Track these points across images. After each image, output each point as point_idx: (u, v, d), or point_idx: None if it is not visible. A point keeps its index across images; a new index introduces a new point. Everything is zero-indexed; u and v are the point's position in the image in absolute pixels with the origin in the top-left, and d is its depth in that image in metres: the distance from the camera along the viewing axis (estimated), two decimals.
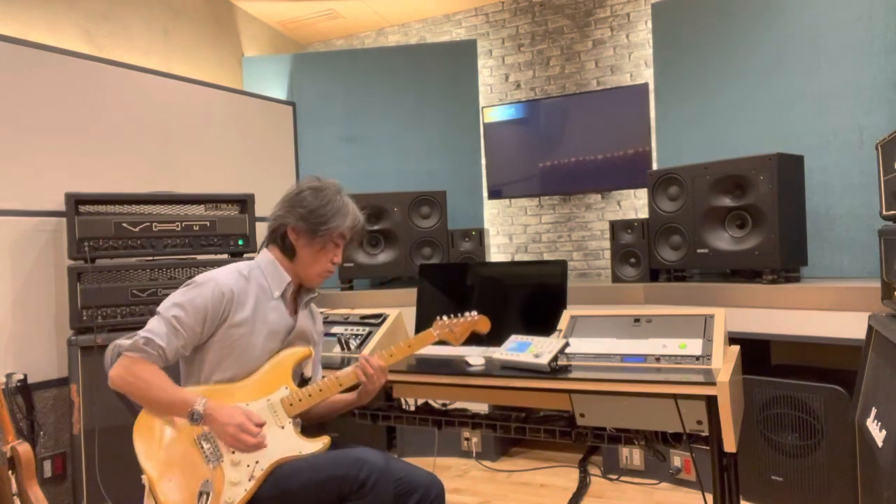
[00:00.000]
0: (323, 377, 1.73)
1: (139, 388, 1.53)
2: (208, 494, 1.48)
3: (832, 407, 2.39)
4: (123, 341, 1.56)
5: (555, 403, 1.86)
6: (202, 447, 1.54)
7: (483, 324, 1.87)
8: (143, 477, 1.53)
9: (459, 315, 1.87)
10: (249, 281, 1.68)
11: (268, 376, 1.65)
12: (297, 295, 1.79)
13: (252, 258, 1.80)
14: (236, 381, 1.63)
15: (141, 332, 1.55)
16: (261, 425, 1.56)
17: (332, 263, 1.75)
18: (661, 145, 3.63)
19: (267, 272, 1.72)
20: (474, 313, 1.87)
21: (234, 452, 1.55)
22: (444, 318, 1.87)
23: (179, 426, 1.55)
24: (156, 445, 1.54)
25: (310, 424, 1.79)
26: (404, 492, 1.64)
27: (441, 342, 1.87)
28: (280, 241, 1.72)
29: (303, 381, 1.75)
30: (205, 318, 1.58)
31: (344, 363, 2.10)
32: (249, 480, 1.52)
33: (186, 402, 1.53)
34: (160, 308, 1.59)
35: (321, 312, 2.35)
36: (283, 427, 1.61)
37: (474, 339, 1.98)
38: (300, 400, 1.65)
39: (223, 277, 1.64)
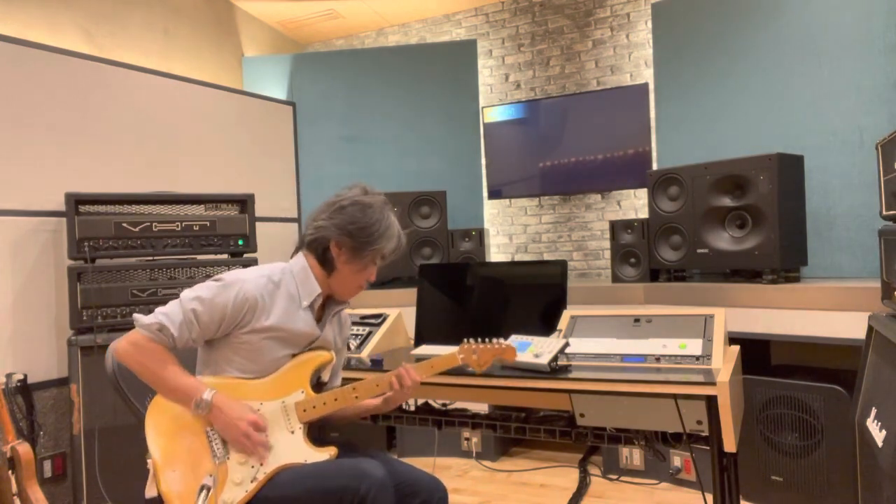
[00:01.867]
0: (342, 384, 1.71)
1: (147, 367, 1.52)
2: (209, 490, 1.48)
3: (832, 407, 2.39)
4: (142, 316, 1.54)
5: (555, 403, 1.86)
6: (211, 441, 1.54)
7: (510, 353, 1.75)
8: (149, 461, 1.53)
9: (487, 340, 1.76)
10: (279, 287, 1.63)
11: (286, 377, 1.63)
12: (326, 304, 1.75)
13: (254, 257, 1.78)
14: (252, 379, 1.61)
15: (158, 313, 1.54)
16: (264, 430, 1.56)
17: (366, 280, 1.70)
18: (661, 145, 3.63)
19: (299, 280, 1.66)
20: (503, 341, 1.77)
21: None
22: (472, 341, 1.76)
23: (193, 416, 1.54)
24: (166, 432, 1.54)
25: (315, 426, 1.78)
26: (408, 493, 1.63)
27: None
28: (321, 253, 1.66)
29: (318, 386, 1.71)
30: (222, 319, 1.56)
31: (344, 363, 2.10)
32: (252, 482, 1.52)
33: (195, 388, 1.52)
34: (183, 295, 1.57)
35: None
36: (292, 432, 1.60)
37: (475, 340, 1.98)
38: (314, 407, 1.62)
39: (251, 283, 1.59)
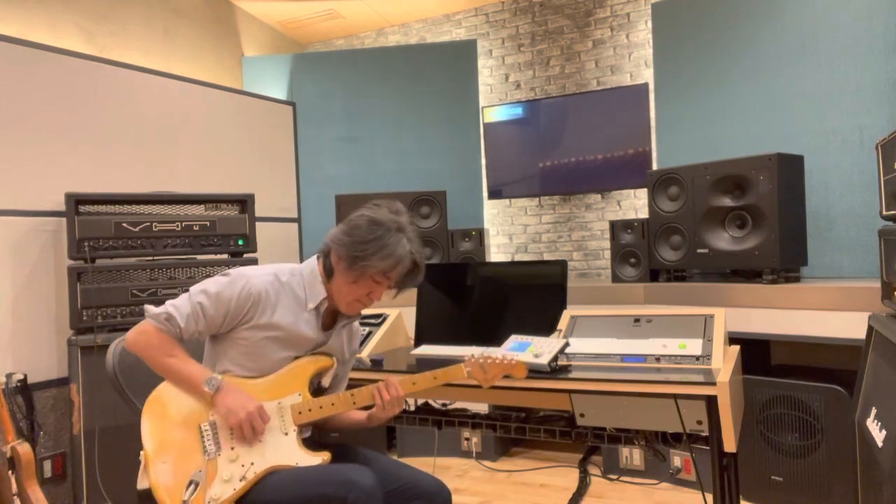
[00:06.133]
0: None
1: (156, 355, 1.57)
2: (197, 485, 1.48)
3: (832, 407, 2.39)
4: (151, 307, 1.60)
5: (555, 403, 1.87)
6: (203, 437, 1.54)
7: (520, 370, 1.69)
8: (142, 453, 1.53)
9: (495, 358, 1.70)
10: (285, 286, 1.65)
11: (284, 379, 1.63)
12: (338, 314, 1.74)
13: (254, 257, 1.78)
14: (250, 379, 1.62)
15: (168, 304, 1.59)
16: (266, 421, 1.57)
17: (367, 297, 1.66)
18: (661, 145, 3.63)
19: (307, 282, 1.68)
20: (514, 357, 1.70)
21: (232, 448, 1.54)
22: (477, 356, 1.70)
23: (189, 411, 1.55)
24: (161, 425, 1.54)
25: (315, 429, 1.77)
26: (410, 496, 1.62)
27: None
28: (326, 258, 1.69)
29: (318, 391, 1.71)
30: (226, 314, 1.58)
31: None
32: (240, 481, 1.51)
33: (204, 373, 1.56)
34: (192, 288, 1.61)
35: None
36: (286, 434, 1.59)
37: (474, 339, 1.98)
38: (310, 410, 1.62)
39: (257, 279, 1.62)
